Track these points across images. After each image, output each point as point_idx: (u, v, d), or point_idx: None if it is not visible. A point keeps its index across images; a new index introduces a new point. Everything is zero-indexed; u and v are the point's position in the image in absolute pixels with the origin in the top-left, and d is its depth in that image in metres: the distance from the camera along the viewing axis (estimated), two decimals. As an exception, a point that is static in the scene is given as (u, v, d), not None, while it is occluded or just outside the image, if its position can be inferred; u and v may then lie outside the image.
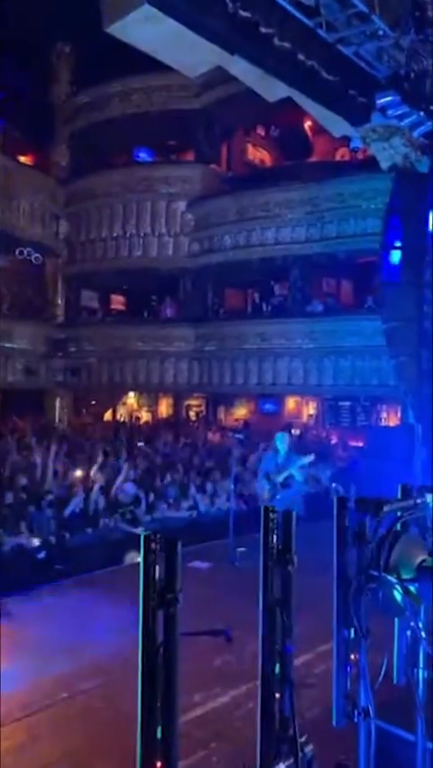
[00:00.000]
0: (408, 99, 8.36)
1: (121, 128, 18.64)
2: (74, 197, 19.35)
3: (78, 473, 9.73)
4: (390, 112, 8.83)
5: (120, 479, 9.38)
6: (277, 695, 2.33)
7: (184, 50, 8.46)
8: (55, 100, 19.78)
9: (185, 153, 20.09)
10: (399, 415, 15.19)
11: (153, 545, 1.88)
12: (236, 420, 18.46)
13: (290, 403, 18.55)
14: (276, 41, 7.87)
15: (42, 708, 4.41)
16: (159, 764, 1.86)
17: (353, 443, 15.21)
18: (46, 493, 8.31)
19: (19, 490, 8.41)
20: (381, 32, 7.49)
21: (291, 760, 2.15)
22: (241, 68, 8.99)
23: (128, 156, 20.65)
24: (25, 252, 18.49)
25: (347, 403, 16.70)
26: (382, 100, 8.59)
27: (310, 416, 18.34)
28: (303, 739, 2.20)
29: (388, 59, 7.97)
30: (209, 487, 10.38)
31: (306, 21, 7.43)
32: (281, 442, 7.95)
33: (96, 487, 8.79)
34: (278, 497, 7.63)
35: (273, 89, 9.50)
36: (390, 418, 16.28)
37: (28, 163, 20.05)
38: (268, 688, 2.33)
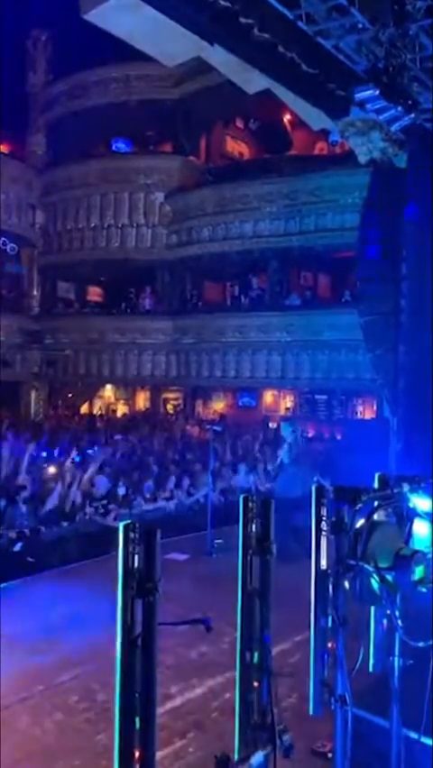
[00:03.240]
0: (386, 93, 8.36)
1: (99, 118, 18.44)
2: (51, 187, 19.11)
3: (53, 469, 9.62)
4: (368, 106, 8.82)
5: (91, 470, 9.30)
6: (255, 684, 2.33)
7: (163, 39, 8.39)
8: (32, 89, 19.48)
9: (163, 144, 19.95)
10: (374, 408, 15.34)
11: (132, 535, 1.86)
12: (214, 413, 18.46)
13: (268, 396, 18.61)
14: (256, 31, 7.84)
15: (19, 701, 4.38)
16: (137, 754, 1.85)
17: (329, 436, 15.33)
18: (20, 489, 8.15)
19: None
20: (360, 26, 7.49)
21: (270, 748, 2.16)
22: (220, 59, 8.94)
23: (106, 146, 20.43)
24: (0, 242, 18.21)
25: (324, 396, 16.81)
26: (361, 94, 8.58)
27: (288, 409, 18.42)
28: (281, 727, 2.21)
29: (367, 52, 7.97)
30: (186, 480, 10.37)
31: (286, 12, 7.41)
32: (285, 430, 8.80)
33: (71, 481, 8.69)
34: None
35: (253, 81, 9.47)
36: (365, 411, 16.43)
37: (4, 152, 19.70)
38: (246, 677, 2.33)
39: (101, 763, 3.58)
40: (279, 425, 16.43)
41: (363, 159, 10.86)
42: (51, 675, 4.78)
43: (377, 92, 8.30)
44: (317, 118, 10.47)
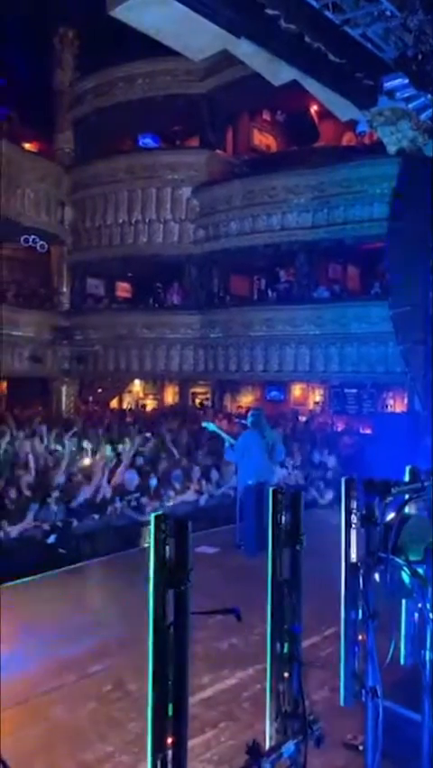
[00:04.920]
0: (415, 81, 8.25)
1: (126, 114, 18.50)
2: (79, 184, 19.25)
3: (86, 462, 9.76)
4: (397, 95, 8.73)
5: (122, 466, 9.40)
6: (286, 674, 2.35)
7: (189, 34, 8.38)
8: (59, 86, 19.62)
9: (190, 139, 19.95)
10: (405, 401, 15.16)
11: (164, 526, 1.89)
12: (239, 408, 18.46)
13: (296, 390, 18.54)
14: (282, 22, 7.79)
15: (52, 690, 4.48)
16: (170, 741, 1.88)
17: (359, 430, 15.22)
18: (52, 489, 8.22)
19: (24, 488, 8.26)
20: (388, 13, 7.38)
21: (301, 738, 2.18)
22: (246, 52, 8.90)
23: (133, 142, 20.51)
24: (30, 240, 18.44)
25: (354, 390, 16.66)
26: (390, 83, 8.49)
27: (316, 403, 18.33)
28: (312, 717, 2.23)
29: (395, 40, 7.86)
30: (215, 473, 10.41)
31: (312, 1, 7.34)
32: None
33: (102, 477, 8.76)
34: None
35: (279, 72, 9.41)
36: (396, 405, 16.25)
37: (33, 150, 19.93)
38: (277, 667, 2.35)
39: (133, 750, 3.64)
40: (308, 420, 16.42)
41: (392, 148, 10.74)
42: (84, 665, 4.86)
43: (406, 80, 8.21)
44: (344, 109, 10.35)
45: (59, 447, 10.41)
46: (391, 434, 11.65)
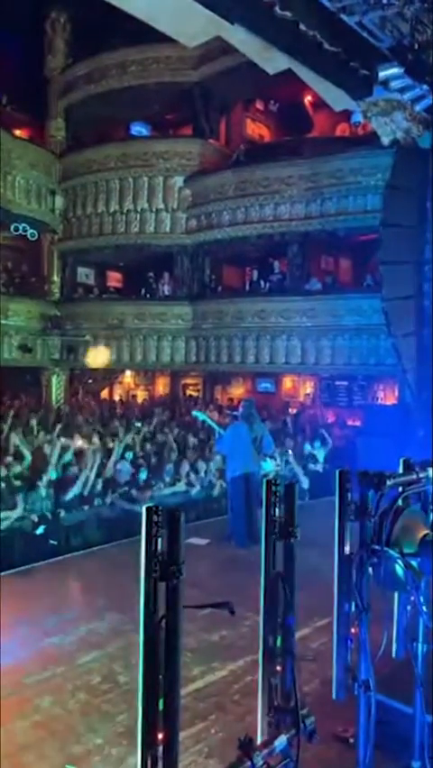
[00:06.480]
0: (411, 71, 8.18)
1: (118, 101, 18.29)
2: (70, 172, 19.06)
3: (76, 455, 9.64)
4: (392, 84, 8.65)
5: (113, 458, 9.33)
6: (278, 667, 2.32)
7: (183, 19, 8.25)
8: (50, 72, 19.37)
9: (183, 127, 19.77)
10: (396, 393, 15.19)
11: (155, 518, 1.84)
12: (231, 399, 18.42)
13: (287, 382, 18.52)
14: (277, 9, 7.66)
15: (41, 681, 4.44)
16: (160, 735, 1.85)
17: (350, 423, 15.25)
18: (41, 474, 8.12)
19: (12, 477, 8.17)
20: (385, 1, 7.29)
21: (293, 731, 2.15)
22: (241, 39, 8.77)
23: (125, 130, 20.30)
24: (21, 228, 18.24)
25: (345, 382, 16.68)
26: (385, 72, 8.40)
27: (307, 395, 18.32)
28: (304, 711, 2.20)
29: (391, 29, 7.76)
30: (203, 464, 10.35)
31: (308, -12, 7.24)
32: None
33: (91, 470, 8.67)
34: None
35: (274, 61, 9.29)
36: (387, 397, 16.28)
37: (23, 137, 19.67)
38: (269, 660, 2.32)
39: (122, 742, 3.62)
40: (298, 412, 16.40)
41: (386, 139, 10.64)
42: (73, 656, 4.84)
43: (401, 70, 8.13)
44: (339, 99, 10.25)
45: (48, 440, 10.32)
46: (381, 426, 11.66)
